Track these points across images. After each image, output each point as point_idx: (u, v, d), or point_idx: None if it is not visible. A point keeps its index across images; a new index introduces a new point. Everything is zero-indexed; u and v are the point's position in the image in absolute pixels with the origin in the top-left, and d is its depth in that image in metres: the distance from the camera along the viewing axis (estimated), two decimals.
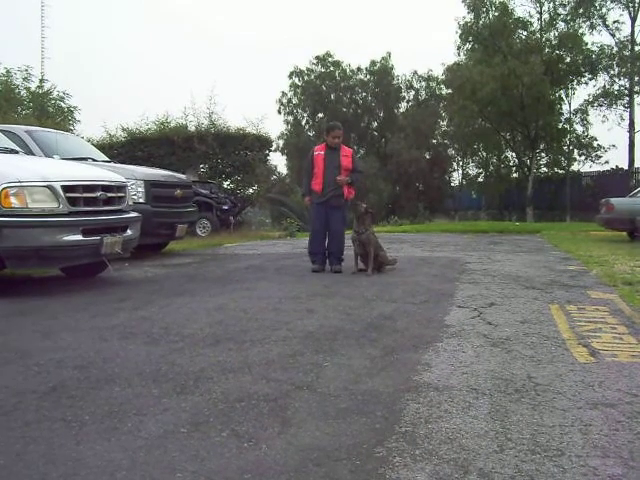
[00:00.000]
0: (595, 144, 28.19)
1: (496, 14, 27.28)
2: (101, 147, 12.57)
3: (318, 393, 2.63)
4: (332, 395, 2.60)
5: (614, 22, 26.12)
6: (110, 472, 1.88)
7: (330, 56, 37.62)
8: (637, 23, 25.45)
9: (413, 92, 38.35)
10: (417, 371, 2.96)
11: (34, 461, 1.96)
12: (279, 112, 37.78)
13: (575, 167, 29.33)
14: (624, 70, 26.02)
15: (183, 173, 11.55)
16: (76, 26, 64.74)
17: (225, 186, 16.66)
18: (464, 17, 28.03)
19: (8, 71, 19.69)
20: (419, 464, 1.94)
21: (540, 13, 27.81)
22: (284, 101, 37.90)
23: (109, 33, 73.45)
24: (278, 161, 42.06)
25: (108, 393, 2.62)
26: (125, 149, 15.75)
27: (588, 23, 26.56)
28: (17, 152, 6.22)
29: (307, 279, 6.37)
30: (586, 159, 28.67)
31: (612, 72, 26.74)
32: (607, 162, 27.86)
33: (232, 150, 16.29)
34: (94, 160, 8.05)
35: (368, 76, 37.81)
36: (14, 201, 4.92)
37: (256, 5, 74.08)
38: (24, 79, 20.08)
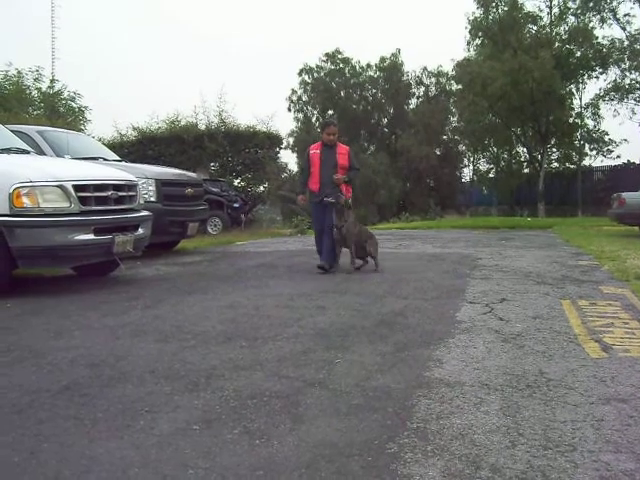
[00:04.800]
0: (606, 138, 28.02)
1: (506, 9, 27.04)
2: (112, 146, 12.64)
3: (330, 390, 2.63)
4: (344, 392, 2.61)
5: (625, 15, 25.82)
6: (122, 469, 1.90)
7: (339, 53, 37.45)
8: None
9: (423, 88, 38.15)
10: (428, 367, 2.96)
11: (47, 459, 1.98)
12: (289, 110, 37.73)
13: (586, 162, 29.17)
14: (635, 64, 25.72)
15: (194, 171, 11.58)
16: (85, 27, 65.28)
17: (236, 184, 16.70)
18: (474, 12, 27.81)
19: (19, 72, 19.79)
20: (431, 460, 1.94)
21: (550, 7, 27.52)
22: (294, 98, 37.81)
23: (118, 35, 74.16)
24: (288, 158, 42.18)
25: (120, 391, 2.64)
26: (136, 148, 15.82)
27: (598, 17, 26.23)
28: (28, 152, 6.26)
29: (318, 276, 6.36)
30: (597, 153, 28.54)
31: (623, 66, 26.42)
32: (619, 156, 27.76)
33: (242, 148, 16.31)
34: (105, 159, 8.09)
35: (378, 73, 37.61)
36: (26, 201, 4.96)
37: (263, 5, 74.19)
38: (35, 79, 20.18)
